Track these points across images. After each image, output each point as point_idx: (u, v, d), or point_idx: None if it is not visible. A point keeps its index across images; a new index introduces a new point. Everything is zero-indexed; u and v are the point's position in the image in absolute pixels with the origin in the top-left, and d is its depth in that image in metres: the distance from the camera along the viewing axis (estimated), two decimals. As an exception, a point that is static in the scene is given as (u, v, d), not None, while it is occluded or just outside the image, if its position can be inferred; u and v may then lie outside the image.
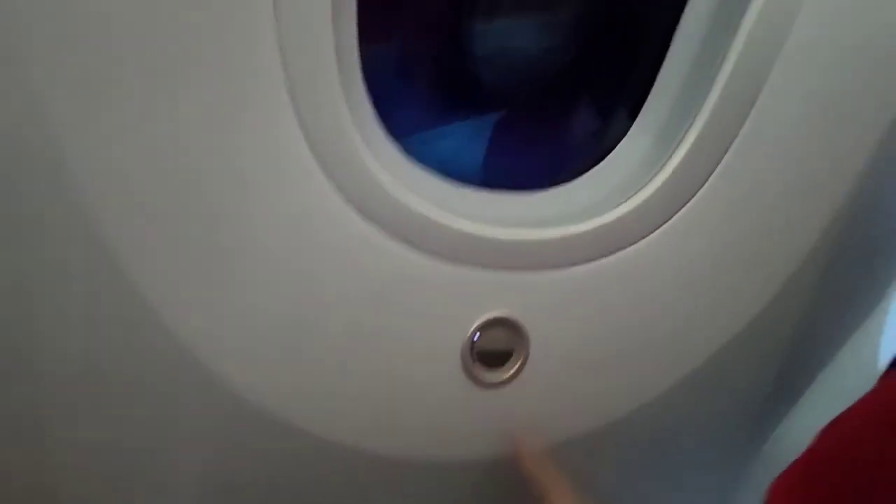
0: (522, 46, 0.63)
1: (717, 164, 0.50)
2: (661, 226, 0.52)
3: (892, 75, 0.51)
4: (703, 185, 0.51)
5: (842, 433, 0.34)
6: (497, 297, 0.51)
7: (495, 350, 0.53)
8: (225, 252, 0.43)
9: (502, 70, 0.63)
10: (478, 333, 0.52)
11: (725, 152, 0.50)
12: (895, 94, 0.52)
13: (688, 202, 0.52)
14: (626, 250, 0.52)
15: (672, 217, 0.52)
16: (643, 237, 0.52)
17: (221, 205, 0.41)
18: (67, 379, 0.45)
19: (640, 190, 0.51)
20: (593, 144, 0.59)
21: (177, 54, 0.36)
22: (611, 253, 0.52)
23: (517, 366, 0.54)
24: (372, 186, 0.43)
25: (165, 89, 0.37)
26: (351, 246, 0.45)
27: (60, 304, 0.42)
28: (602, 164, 0.55)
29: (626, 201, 0.51)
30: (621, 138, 0.56)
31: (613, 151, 0.55)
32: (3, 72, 0.34)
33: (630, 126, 0.55)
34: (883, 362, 0.50)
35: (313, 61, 0.38)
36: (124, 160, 0.38)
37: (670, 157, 0.50)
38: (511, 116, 0.65)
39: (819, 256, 0.58)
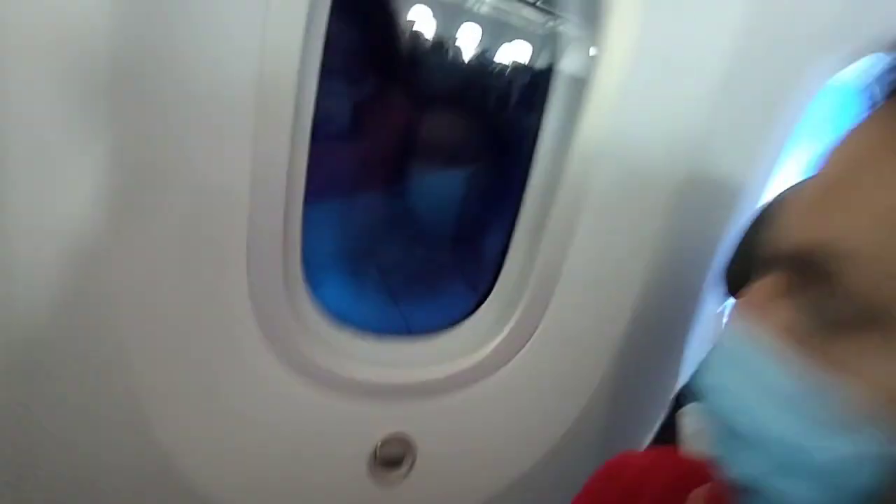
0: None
1: (538, 325, 0.77)
2: (507, 363, 0.77)
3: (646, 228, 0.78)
4: (533, 335, 0.77)
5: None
6: (392, 420, 0.73)
7: (392, 456, 0.74)
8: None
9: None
10: (379, 445, 0.72)
11: (541, 319, 0.76)
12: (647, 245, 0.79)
13: (525, 345, 0.77)
14: (482, 381, 0.76)
15: (515, 356, 0.77)
16: (494, 372, 0.76)
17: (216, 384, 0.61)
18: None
19: (492, 339, 0.76)
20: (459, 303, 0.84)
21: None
22: (474, 383, 0.76)
23: (408, 466, 0.75)
24: (303, 357, 0.64)
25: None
26: (290, 393, 0.65)
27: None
28: (468, 320, 0.79)
29: (482, 348, 0.75)
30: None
31: (475, 313, 0.79)
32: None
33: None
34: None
35: (268, 282, 0.59)
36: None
37: (509, 318, 0.76)
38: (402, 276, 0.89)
39: (607, 385, 0.85)
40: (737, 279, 0.71)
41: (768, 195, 0.84)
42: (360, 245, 0.87)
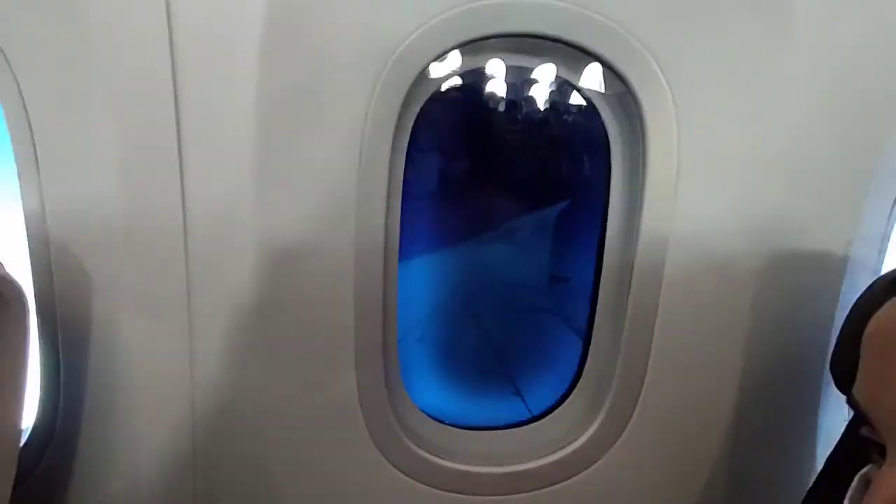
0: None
1: (633, 412, 0.76)
2: (601, 458, 0.77)
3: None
4: (628, 423, 0.77)
5: None
6: None
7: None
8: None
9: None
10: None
11: (635, 406, 0.76)
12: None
13: (617, 440, 0.77)
14: (575, 477, 0.77)
15: (607, 452, 0.77)
16: (587, 468, 0.77)
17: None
18: None
19: (583, 433, 0.77)
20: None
21: None
22: (567, 479, 0.77)
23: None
24: (406, 452, 0.73)
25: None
26: (395, 488, 0.73)
27: None
28: (557, 410, 0.82)
29: (574, 441, 0.77)
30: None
31: (556, 409, 0.82)
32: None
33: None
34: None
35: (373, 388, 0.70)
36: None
37: (601, 407, 0.77)
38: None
39: (722, 476, 0.80)
40: (844, 369, 0.65)
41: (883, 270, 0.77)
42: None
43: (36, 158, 0.62)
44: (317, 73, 0.62)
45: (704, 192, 0.70)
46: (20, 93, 0.60)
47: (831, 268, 0.76)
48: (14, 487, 0.58)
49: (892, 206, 0.78)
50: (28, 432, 0.70)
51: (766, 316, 0.76)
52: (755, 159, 0.70)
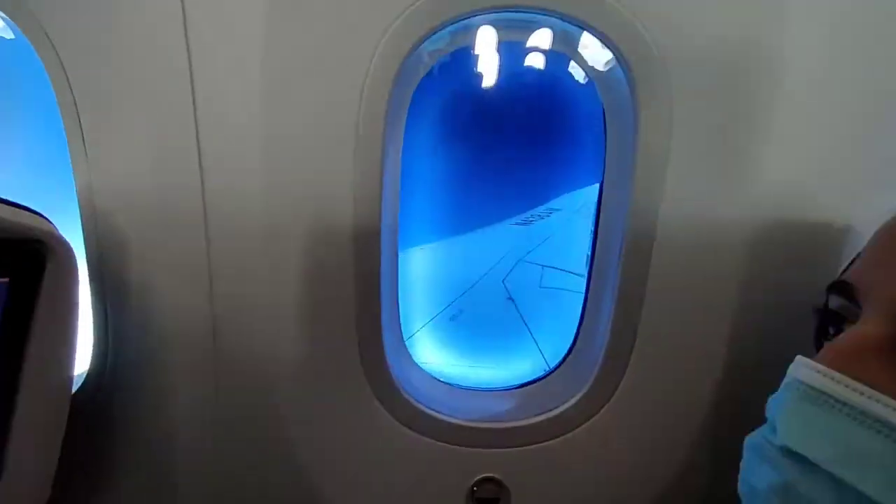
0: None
1: (622, 379, 0.80)
2: (595, 415, 0.81)
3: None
4: (616, 388, 0.81)
5: None
6: (488, 464, 0.83)
7: (487, 497, 0.83)
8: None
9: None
10: (475, 487, 0.83)
11: (624, 371, 0.80)
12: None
13: (605, 405, 0.81)
14: (573, 432, 0.82)
15: (598, 411, 0.81)
16: (584, 423, 0.82)
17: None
18: None
19: (576, 393, 0.81)
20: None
21: None
22: (564, 434, 0.82)
23: (503, 507, 0.84)
24: (408, 407, 0.80)
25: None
26: (394, 438, 0.80)
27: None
28: (552, 375, 0.86)
29: (564, 403, 0.81)
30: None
31: (554, 371, 0.86)
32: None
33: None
34: None
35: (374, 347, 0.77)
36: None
37: (591, 372, 0.81)
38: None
39: (709, 439, 0.82)
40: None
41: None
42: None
43: (83, 141, 0.72)
44: (315, 48, 0.67)
45: (696, 170, 0.71)
46: (70, 87, 0.70)
47: (825, 250, 0.75)
48: (66, 430, 0.67)
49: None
50: (81, 379, 0.81)
51: (755, 295, 0.76)
52: (748, 138, 0.69)
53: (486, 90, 0.87)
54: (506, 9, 0.69)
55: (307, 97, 0.68)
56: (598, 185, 0.84)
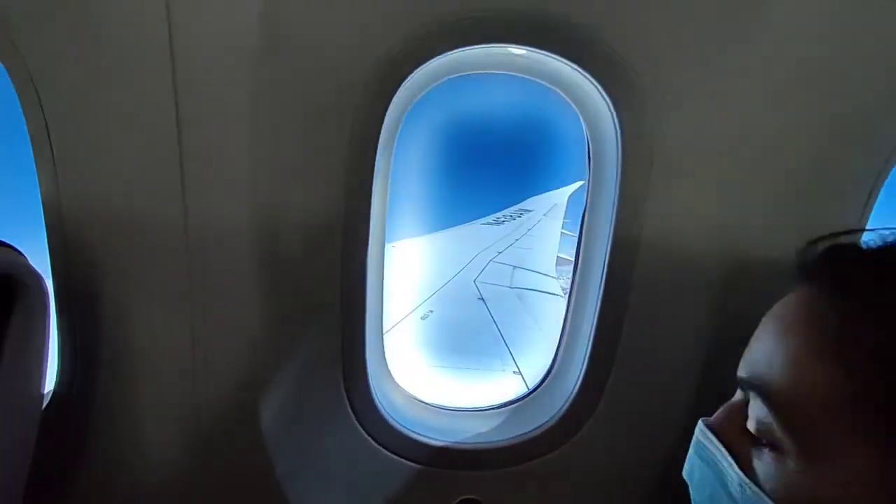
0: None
1: (600, 400, 0.82)
2: (569, 439, 0.84)
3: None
4: (595, 410, 0.83)
5: None
6: (468, 486, 0.84)
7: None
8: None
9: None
10: (456, 506, 0.84)
11: (602, 392, 0.82)
12: None
13: (589, 419, 0.83)
14: (553, 453, 0.84)
15: (577, 432, 0.84)
16: (563, 444, 0.84)
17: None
18: None
19: (554, 415, 0.83)
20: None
21: None
22: (544, 455, 0.84)
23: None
24: (389, 430, 0.80)
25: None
26: (379, 465, 0.80)
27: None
28: (531, 395, 0.88)
29: (549, 420, 0.83)
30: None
31: (534, 392, 0.88)
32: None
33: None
34: None
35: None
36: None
37: (572, 390, 0.83)
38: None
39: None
40: None
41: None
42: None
43: (53, 156, 0.67)
44: (308, 75, 0.65)
45: (677, 195, 0.73)
46: (39, 98, 0.65)
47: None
48: (37, 445, 0.64)
49: (864, 210, 0.78)
50: (48, 397, 0.77)
51: (731, 315, 0.78)
52: (729, 165, 0.72)
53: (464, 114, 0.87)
54: (495, 43, 0.68)
55: (297, 118, 0.67)
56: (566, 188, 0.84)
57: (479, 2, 0.63)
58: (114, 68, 0.63)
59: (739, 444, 0.38)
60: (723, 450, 0.39)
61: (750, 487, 0.35)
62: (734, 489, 0.36)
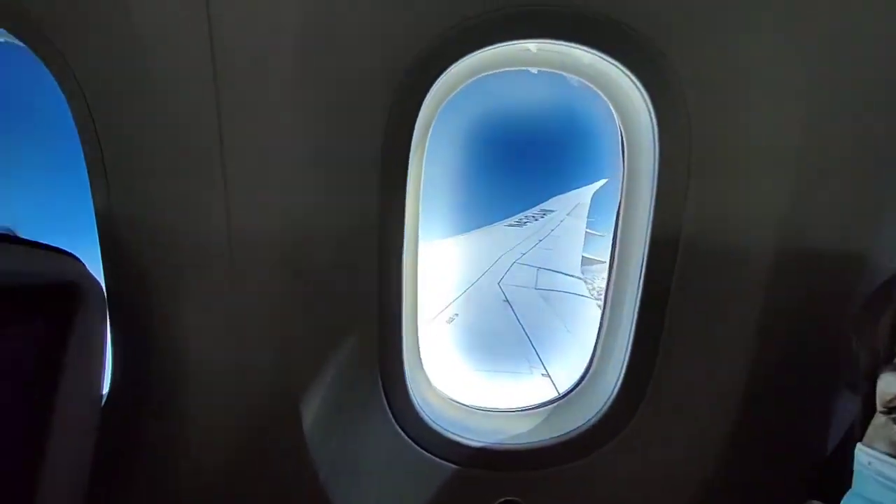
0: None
1: (644, 396, 0.82)
2: (616, 436, 0.83)
3: None
4: (639, 405, 0.82)
5: None
6: (508, 488, 0.85)
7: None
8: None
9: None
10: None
11: (646, 388, 0.81)
12: None
13: (632, 419, 0.83)
14: (594, 454, 0.83)
15: (624, 428, 0.83)
16: (605, 444, 0.84)
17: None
18: None
19: (593, 415, 0.84)
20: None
21: None
22: (584, 456, 0.84)
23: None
24: (428, 431, 0.82)
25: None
26: (418, 467, 0.82)
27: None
28: (571, 394, 0.89)
29: (589, 420, 0.84)
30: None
31: (572, 392, 0.89)
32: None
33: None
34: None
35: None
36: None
37: (613, 389, 0.83)
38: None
39: (734, 453, 0.84)
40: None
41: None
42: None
43: (105, 175, 0.72)
44: (344, 77, 0.67)
45: (716, 190, 0.72)
46: (90, 114, 0.69)
47: (848, 266, 0.77)
48: (98, 440, 0.69)
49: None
50: (106, 396, 0.81)
51: (777, 308, 0.78)
52: (769, 157, 0.71)
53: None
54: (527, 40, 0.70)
55: (333, 128, 0.69)
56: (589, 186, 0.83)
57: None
58: (158, 81, 0.67)
59: None
60: None
61: None
62: None
